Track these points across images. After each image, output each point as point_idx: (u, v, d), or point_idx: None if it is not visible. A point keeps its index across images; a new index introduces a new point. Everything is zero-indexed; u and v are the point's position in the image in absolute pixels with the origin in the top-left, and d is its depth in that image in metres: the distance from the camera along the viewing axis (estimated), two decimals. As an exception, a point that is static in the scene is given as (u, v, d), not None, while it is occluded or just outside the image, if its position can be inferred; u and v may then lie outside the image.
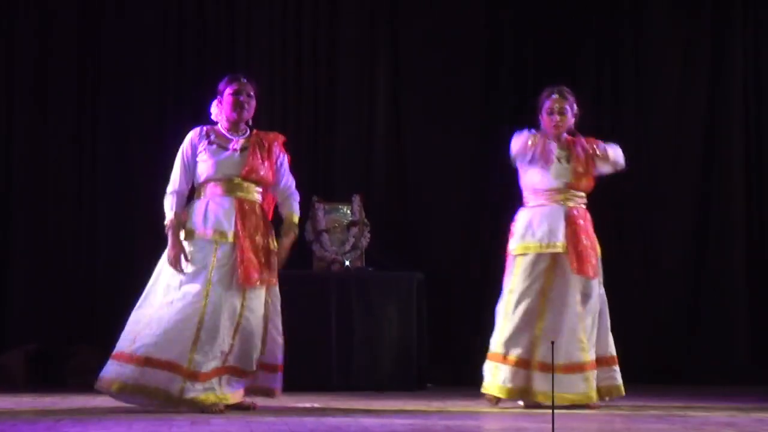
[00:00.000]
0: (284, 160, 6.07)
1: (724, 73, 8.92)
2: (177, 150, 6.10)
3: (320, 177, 8.54)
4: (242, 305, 5.76)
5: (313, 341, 7.55)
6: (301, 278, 7.74)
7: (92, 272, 8.21)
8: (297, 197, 6.12)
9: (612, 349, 6.30)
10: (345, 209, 8.29)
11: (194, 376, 5.59)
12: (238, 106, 5.92)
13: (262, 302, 5.85)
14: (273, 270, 5.90)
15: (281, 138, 6.09)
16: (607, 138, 8.69)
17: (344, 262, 8.10)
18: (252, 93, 5.98)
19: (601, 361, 6.21)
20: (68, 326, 8.07)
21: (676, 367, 8.58)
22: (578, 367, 6.06)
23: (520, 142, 6.23)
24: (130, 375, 5.61)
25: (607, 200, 8.81)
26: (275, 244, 5.96)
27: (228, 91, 5.94)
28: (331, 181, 8.56)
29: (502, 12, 8.89)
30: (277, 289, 5.96)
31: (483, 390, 6.21)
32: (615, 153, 6.35)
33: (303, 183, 8.37)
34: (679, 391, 7.58)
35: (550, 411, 4.69)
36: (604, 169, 6.38)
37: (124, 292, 7.99)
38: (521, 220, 6.28)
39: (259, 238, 5.83)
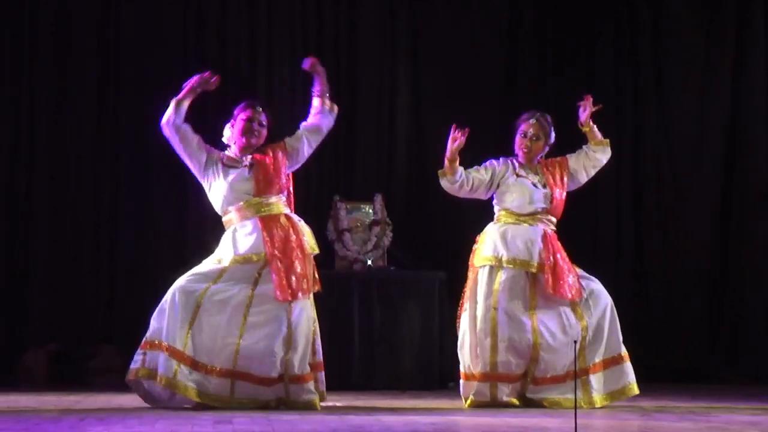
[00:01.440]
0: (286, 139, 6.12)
1: (746, 72, 8.86)
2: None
3: (342, 176, 8.54)
4: (248, 310, 5.79)
5: (335, 340, 7.54)
6: (323, 278, 7.68)
7: (113, 272, 8.24)
8: None
9: (621, 347, 6.20)
10: (367, 208, 8.29)
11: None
12: (248, 131, 6.00)
13: (278, 312, 5.82)
14: (311, 278, 5.94)
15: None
16: (628, 135, 8.77)
17: (366, 262, 8.10)
18: (264, 122, 6.05)
19: (609, 362, 6.15)
20: (89, 326, 8.10)
21: (698, 367, 8.54)
22: (577, 374, 6.03)
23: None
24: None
25: (629, 200, 8.83)
26: (315, 246, 6.03)
27: (241, 116, 6.03)
28: (353, 181, 8.56)
29: (522, 6, 8.90)
30: (303, 301, 5.92)
31: (470, 406, 6.12)
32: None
33: (325, 182, 8.45)
34: (702, 390, 7.55)
35: (571, 410, 4.68)
36: (591, 163, 6.37)
37: (145, 292, 8.08)
38: (491, 234, 6.25)
39: (289, 251, 5.86)
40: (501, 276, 6.13)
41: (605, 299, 6.19)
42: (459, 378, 6.25)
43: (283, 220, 5.93)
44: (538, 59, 8.87)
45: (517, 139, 6.36)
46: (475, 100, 8.75)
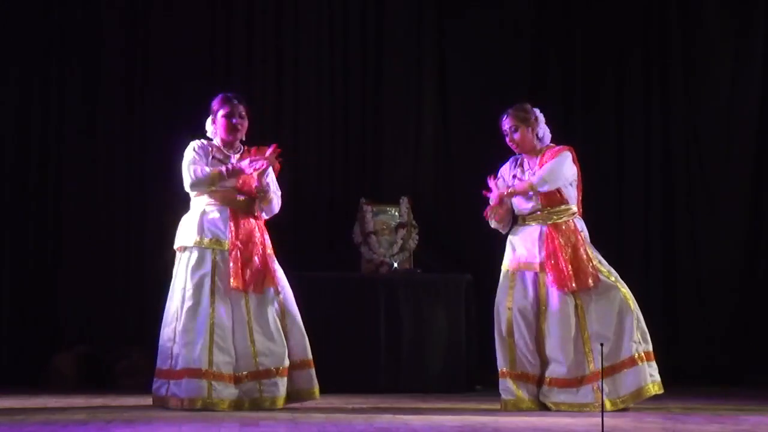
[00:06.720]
0: (269, 169, 6.15)
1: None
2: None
3: (368, 179, 8.54)
4: (248, 308, 5.93)
5: (361, 343, 7.56)
6: (350, 280, 7.77)
7: (142, 275, 8.26)
8: (278, 193, 6.24)
9: (636, 348, 6.06)
10: (393, 211, 8.29)
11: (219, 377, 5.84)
12: (231, 128, 6.15)
13: (267, 305, 5.97)
14: (273, 275, 6.02)
15: (273, 147, 6.15)
16: (658, 140, 8.73)
17: (392, 264, 8.10)
18: (244, 113, 6.19)
19: (626, 364, 6.03)
20: (118, 328, 8.13)
21: (727, 369, 8.49)
22: (586, 379, 6.01)
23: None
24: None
25: (657, 201, 8.79)
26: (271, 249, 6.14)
27: (221, 113, 6.16)
28: (379, 183, 8.55)
29: (548, 15, 8.86)
30: (275, 290, 6.03)
31: (509, 407, 6.09)
32: (532, 182, 6.20)
33: (351, 185, 8.46)
34: (730, 392, 7.51)
35: (598, 412, 4.67)
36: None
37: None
38: (508, 239, 6.33)
39: (252, 246, 5.99)
40: (514, 279, 6.21)
41: (616, 305, 6.09)
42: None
43: (252, 219, 6.07)
44: (565, 59, 8.82)
45: (507, 141, 6.34)
46: (501, 103, 8.71)
